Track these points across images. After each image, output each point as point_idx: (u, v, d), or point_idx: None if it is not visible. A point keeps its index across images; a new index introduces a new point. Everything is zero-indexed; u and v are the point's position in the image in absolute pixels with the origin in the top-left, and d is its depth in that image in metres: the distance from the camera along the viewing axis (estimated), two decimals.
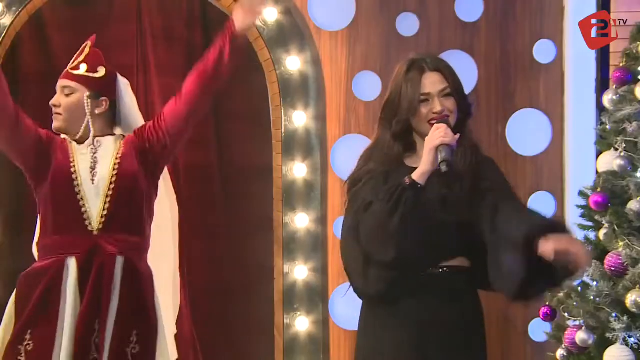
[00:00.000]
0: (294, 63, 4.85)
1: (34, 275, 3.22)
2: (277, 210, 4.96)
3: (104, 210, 3.17)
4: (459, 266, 2.88)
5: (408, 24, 4.91)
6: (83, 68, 3.30)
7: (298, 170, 4.85)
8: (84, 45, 3.35)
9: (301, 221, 4.83)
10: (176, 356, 3.71)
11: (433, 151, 2.77)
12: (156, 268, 3.36)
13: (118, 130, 3.36)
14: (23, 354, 3.07)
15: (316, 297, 4.83)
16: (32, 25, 5.04)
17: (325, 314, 4.83)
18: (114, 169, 3.20)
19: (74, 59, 3.31)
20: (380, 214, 2.78)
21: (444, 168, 2.75)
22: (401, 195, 2.76)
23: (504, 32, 4.99)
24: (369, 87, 4.82)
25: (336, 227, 4.71)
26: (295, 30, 4.85)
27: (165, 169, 3.56)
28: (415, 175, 2.78)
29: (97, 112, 3.28)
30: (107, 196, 3.17)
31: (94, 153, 3.23)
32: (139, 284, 3.17)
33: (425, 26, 4.92)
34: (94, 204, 3.16)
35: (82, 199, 3.18)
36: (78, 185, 3.19)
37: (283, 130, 4.85)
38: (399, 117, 2.90)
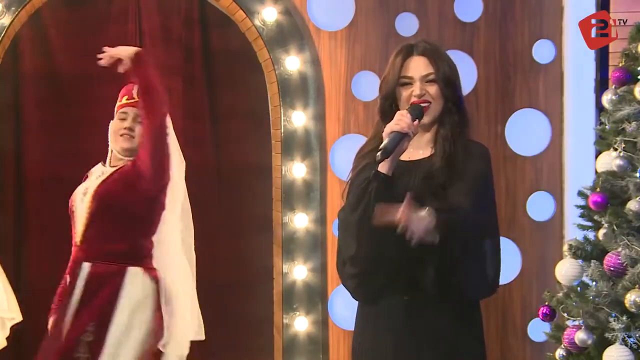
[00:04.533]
0: (293, 63, 4.85)
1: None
2: (276, 210, 4.96)
3: (82, 226, 3.65)
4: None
5: (407, 24, 4.91)
6: None
7: (297, 170, 4.85)
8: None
9: (300, 221, 4.83)
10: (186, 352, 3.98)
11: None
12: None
13: None
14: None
15: (315, 297, 4.83)
16: (31, 26, 5.04)
17: (324, 314, 4.84)
18: (93, 193, 3.67)
19: (135, 90, 3.73)
20: (348, 207, 2.75)
21: (378, 156, 2.64)
22: (367, 187, 2.69)
23: (503, 32, 5.00)
24: (368, 87, 4.82)
25: (335, 227, 4.70)
26: (294, 30, 4.85)
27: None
28: (380, 166, 2.69)
29: None
30: (87, 214, 3.64)
31: (87, 179, 3.78)
32: (98, 284, 3.61)
33: (424, 26, 4.92)
34: (80, 221, 3.66)
35: (75, 217, 3.68)
36: (74, 206, 3.70)
37: (282, 130, 4.85)
38: (382, 96, 2.87)
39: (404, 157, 2.81)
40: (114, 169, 3.73)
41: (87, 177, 3.83)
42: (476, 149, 2.86)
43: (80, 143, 5.06)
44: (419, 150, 2.84)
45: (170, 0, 5.19)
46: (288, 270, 4.84)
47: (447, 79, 2.84)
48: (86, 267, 3.61)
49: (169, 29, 5.17)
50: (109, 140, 3.84)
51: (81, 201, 3.67)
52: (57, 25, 5.11)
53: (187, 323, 3.90)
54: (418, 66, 2.83)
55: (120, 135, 3.73)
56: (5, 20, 4.70)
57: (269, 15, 4.83)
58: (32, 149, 5.12)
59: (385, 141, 2.67)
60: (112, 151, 3.81)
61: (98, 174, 3.77)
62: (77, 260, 3.64)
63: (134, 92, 3.73)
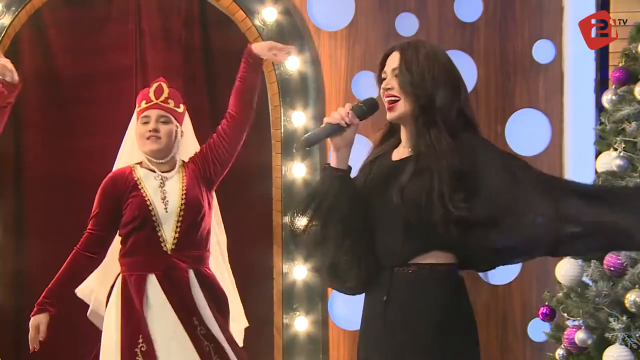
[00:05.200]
0: (293, 63, 4.85)
1: (128, 287, 3.75)
2: (276, 210, 4.96)
3: (175, 233, 3.72)
4: (429, 263, 2.69)
5: (407, 24, 4.91)
6: (172, 103, 3.82)
7: (297, 170, 4.84)
8: (156, 83, 3.85)
9: (301, 221, 4.82)
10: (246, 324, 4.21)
11: None
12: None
13: (178, 155, 3.88)
14: (140, 356, 3.63)
15: (315, 297, 4.83)
16: (31, 26, 5.04)
17: (324, 314, 4.83)
18: (182, 199, 3.74)
19: (152, 92, 3.81)
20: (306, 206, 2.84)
21: (299, 144, 2.69)
22: (322, 179, 2.77)
23: (503, 32, 5.00)
24: (368, 87, 4.76)
25: None
26: (294, 30, 4.85)
27: None
28: (331, 159, 2.72)
29: (179, 140, 3.84)
30: (177, 222, 3.72)
31: (163, 186, 3.76)
32: (212, 285, 3.81)
33: (424, 26, 4.92)
34: (168, 228, 3.71)
35: (158, 225, 3.71)
36: (155, 215, 3.71)
37: (282, 130, 4.84)
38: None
39: (395, 156, 2.81)
40: (181, 174, 3.81)
41: (133, 181, 3.78)
42: (467, 141, 2.73)
43: (80, 143, 5.06)
44: (408, 148, 2.82)
45: (170, 0, 5.19)
46: (288, 270, 4.84)
47: (410, 71, 2.74)
48: (192, 273, 3.74)
49: (169, 29, 5.17)
50: (137, 144, 3.87)
51: (165, 209, 3.72)
52: (57, 25, 5.11)
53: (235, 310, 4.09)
54: (390, 61, 2.81)
55: (147, 138, 3.76)
56: (5, 20, 4.70)
57: (269, 15, 4.83)
58: (32, 149, 5.12)
59: (309, 133, 2.71)
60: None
61: (154, 181, 3.79)
62: (172, 267, 3.71)
63: (152, 94, 3.80)
